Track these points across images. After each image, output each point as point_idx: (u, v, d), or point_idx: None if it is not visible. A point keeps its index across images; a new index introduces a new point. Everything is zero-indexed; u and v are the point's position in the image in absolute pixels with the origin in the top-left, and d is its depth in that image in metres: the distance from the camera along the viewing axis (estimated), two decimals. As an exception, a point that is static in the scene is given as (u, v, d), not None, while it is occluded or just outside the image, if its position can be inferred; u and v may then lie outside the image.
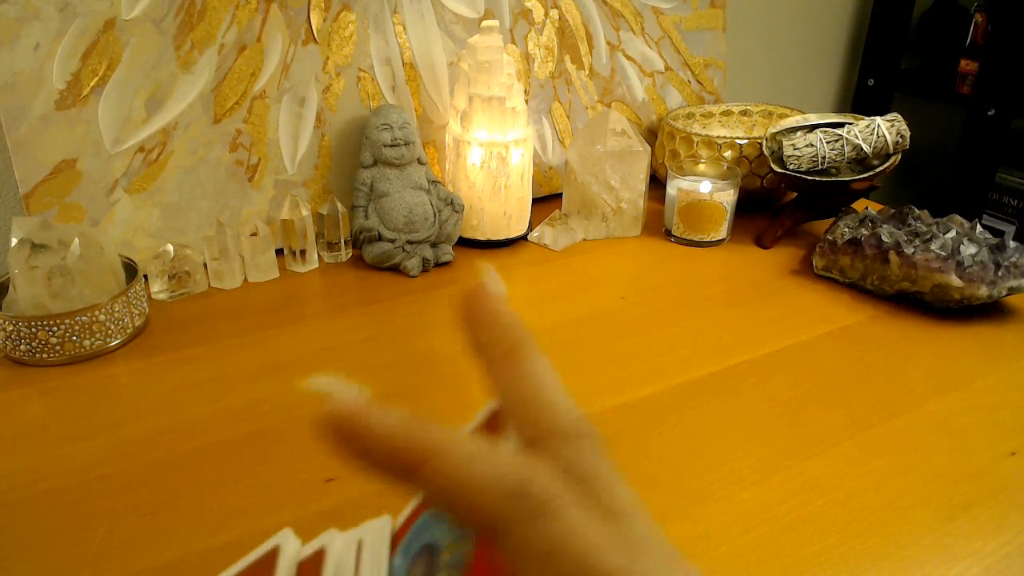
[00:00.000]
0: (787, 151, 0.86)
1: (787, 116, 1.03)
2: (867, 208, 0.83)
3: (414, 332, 0.71)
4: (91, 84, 0.72)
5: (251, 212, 0.82)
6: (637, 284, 0.81)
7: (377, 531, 0.25)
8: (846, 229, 0.80)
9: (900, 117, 0.86)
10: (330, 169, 0.86)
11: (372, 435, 0.21)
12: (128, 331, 0.68)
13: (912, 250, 0.73)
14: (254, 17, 0.78)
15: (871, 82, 1.44)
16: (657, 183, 1.00)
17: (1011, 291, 0.71)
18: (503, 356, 0.23)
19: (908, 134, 0.85)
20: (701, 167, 0.92)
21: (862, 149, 0.85)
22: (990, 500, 0.51)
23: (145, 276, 0.74)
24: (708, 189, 0.86)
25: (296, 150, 0.83)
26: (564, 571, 0.19)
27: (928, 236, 0.73)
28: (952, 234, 0.73)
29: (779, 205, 0.98)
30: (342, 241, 0.83)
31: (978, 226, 0.76)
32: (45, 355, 0.64)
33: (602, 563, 0.19)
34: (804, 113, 0.96)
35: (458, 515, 0.21)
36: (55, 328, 0.63)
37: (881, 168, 0.85)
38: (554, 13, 0.96)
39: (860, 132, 0.85)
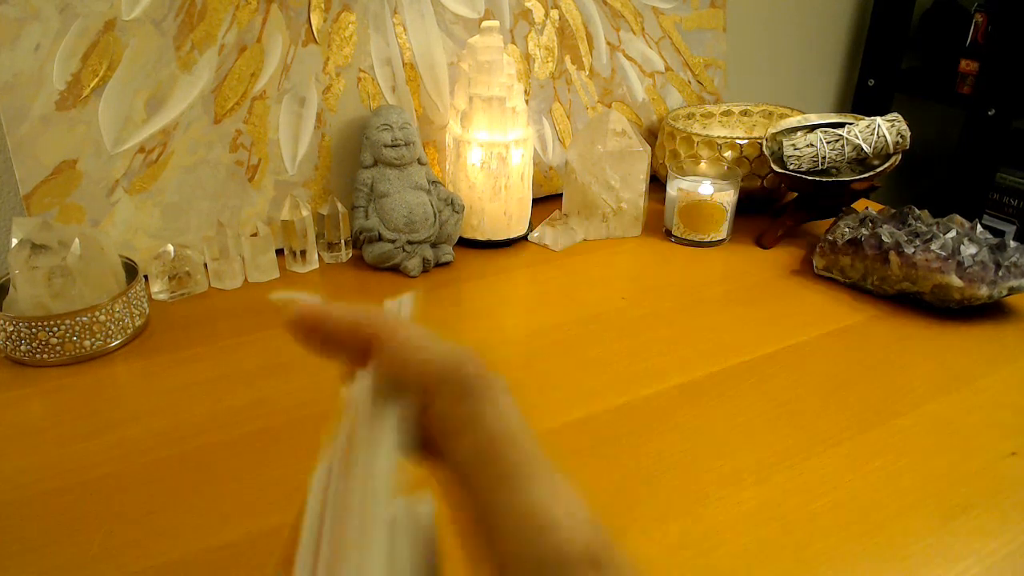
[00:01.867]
0: (787, 151, 0.86)
1: (787, 116, 1.03)
2: (867, 208, 0.83)
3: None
4: (91, 84, 0.72)
5: (251, 212, 0.82)
6: (637, 284, 0.81)
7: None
8: (846, 229, 0.79)
9: (900, 117, 0.86)
10: (330, 169, 0.86)
11: (332, 321, 0.25)
12: (128, 331, 0.68)
13: (912, 250, 0.73)
14: (254, 18, 0.78)
15: (871, 82, 1.44)
16: (657, 183, 1.00)
17: (1011, 291, 0.71)
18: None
19: (908, 134, 0.85)
20: (701, 167, 0.92)
21: (862, 149, 0.85)
22: (990, 500, 0.51)
23: (145, 276, 0.74)
24: (708, 189, 0.86)
25: (296, 150, 0.83)
26: (484, 444, 0.22)
27: (928, 236, 0.73)
28: (952, 234, 0.73)
29: (779, 205, 0.98)
30: (342, 241, 0.83)
31: (978, 226, 0.76)
32: (45, 355, 0.64)
33: (514, 447, 0.23)
34: (804, 113, 0.96)
35: (401, 385, 0.24)
36: (55, 328, 0.63)
37: (881, 168, 0.85)
38: (554, 13, 0.96)
39: (860, 132, 0.85)
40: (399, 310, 0.29)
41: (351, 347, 0.25)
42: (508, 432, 0.23)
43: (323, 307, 0.25)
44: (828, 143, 0.85)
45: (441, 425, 0.23)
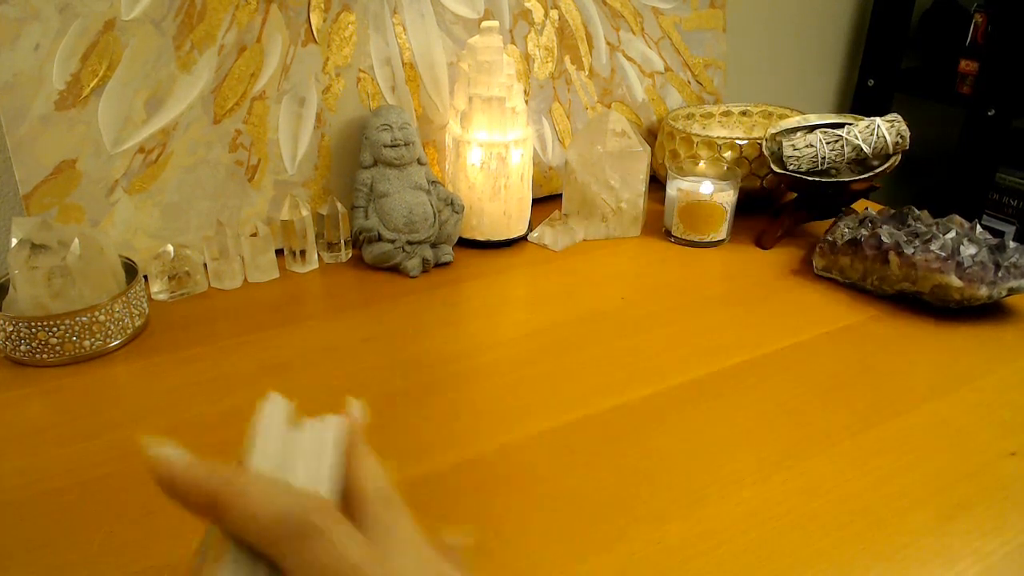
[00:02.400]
0: (787, 151, 0.86)
1: (787, 116, 1.03)
2: (867, 208, 0.83)
3: (414, 332, 0.71)
4: (91, 84, 0.72)
5: (251, 212, 0.82)
6: (637, 284, 0.81)
7: None
8: (846, 229, 0.80)
9: (900, 117, 0.86)
10: (330, 169, 0.86)
11: (183, 483, 0.26)
12: (128, 331, 0.68)
13: (912, 250, 0.73)
14: (254, 18, 0.78)
15: (871, 82, 1.44)
16: (657, 183, 1.00)
17: (1011, 291, 0.71)
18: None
19: (908, 134, 0.85)
20: (701, 167, 0.92)
21: (862, 149, 0.85)
22: (990, 500, 0.51)
23: (145, 276, 0.74)
24: (708, 190, 0.86)
25: (296, 150, 0.83)
26: None
27: (928, 236, 0.73)
28: (952, 234, 0.73)
29: (779, 205, 0.98)
30: (342, 241, 0.83)
31: (978, 226, 0.76)
32: (45, 355, 0.64)
33: (358, 572, 0.24)
34: (804, 113, 0.96)
35: (248, 542, 0.25)
36: (55, 328, 0.63)
37: (881, 168, 0.85)
38: (554, 13, 0.96)
39: (860, 132, 0.85)
40: (324, 433, 0.30)
41: (203, 509, 0.26)
42: (348, 571, 0.24)
43: (176, 466, 0.26)
44: (828, 143, 0.85)
45: (291, 572, 0.25)
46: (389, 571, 0.25)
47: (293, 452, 0.29)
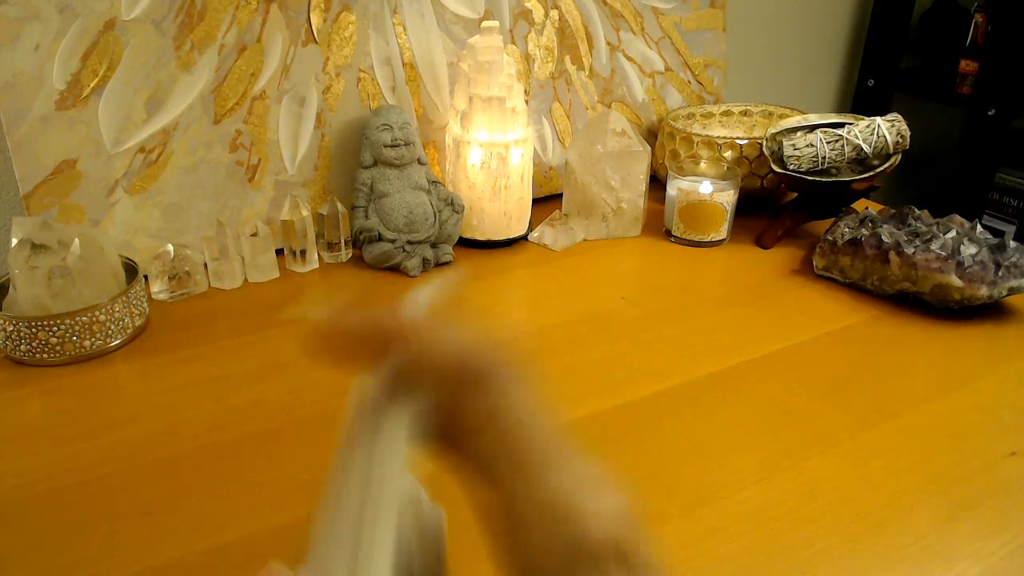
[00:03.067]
0: (787, 151, 0.86)
1: (787, 116, 1.03)
2: (867, 208, 0.83)
3: (414, 332, 0.71)
4: (91, 84, 0.72)
5: (251, 212, 0.82)
6: (637, 284, 0.81)
7: None
8: (846, 229, 0.79)
9: (900, 117, 0.86)
10: (330, 169, 0.86)
11: (354, 329, 0.26)
12: (128, 331, 0.68)
13: (912, 250, 0.73)
14: (254, 18, 0.78)
15: (871, 82, 1.44)
16: (657, 183, 1.00)
17: (1011, 291, 0.71)
18: None
19: (908, 134, 0.85)
20: (701, 167, 0.92)
21: (862, 149, 0.85)
22: (990, 500, 0.51)
23: (145, 276, 0.74)
24: (708, 189, 0.86)
25: (296, 150, 0.83)
26: (497, 435, 0.23)
27: (928, 236, 0.73)
28: (952, 234, 0.73)
29: (779, 205, 0.98)
30: (342, 241, 0.83)
31: (978, 226, 0.76)
32: (45, 355, 0.64)
33: (532, 431, 0.24)
34: (804, 113, 0.96)
35: (418, 380, 0.25)
36: (55, 328, 0.63)
37: (881, 168, 0.85)
38: (554, 14, 0.96)
39: (860, 132, 0.85)
40: (420, 302, 0.29)
41: (374, 351, 0.25)
42: (525, 423, 0.24)
43: (342, 316, 0.26)
44: (828, 143, 0.85)
45: (460, 419, 0.24)
46: (558, 441, 0.25)
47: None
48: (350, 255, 0.85)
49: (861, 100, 1.47)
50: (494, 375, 0.24)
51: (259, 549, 0.46)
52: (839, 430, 0.58)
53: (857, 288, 0.79)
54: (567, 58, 0.98)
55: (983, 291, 0.70)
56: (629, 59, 1.03)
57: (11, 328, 0.63)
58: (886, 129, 0.85)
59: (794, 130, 0.90)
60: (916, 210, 0.79)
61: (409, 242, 0.81)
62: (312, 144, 0.84)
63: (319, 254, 0.84)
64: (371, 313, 0.25)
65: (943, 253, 0.71)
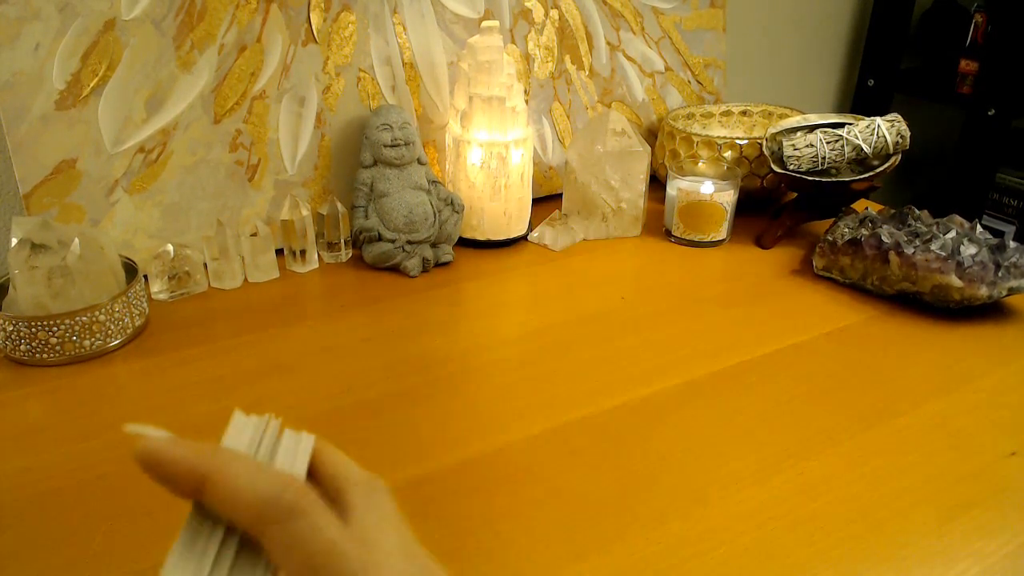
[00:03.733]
0: (787, 151, 0.86)
1: (787, 116, 1.03)
2: (867, 208, 0.83)
3: (414, 332, 0.71)
4: (91, 84, 0.72)
5: (251, 212, 0.82)
6: (637, 284, 0.81)
7: None
8: (846, 229, 0.80)
9: (900, 117, 0.86)
10: (330, 169, 0.86)
11: (168, 461, 0.27)
12: (128, 331, 0.68)
13: (912, 250, 0.73)
14: (254, 17, 0.78)
15: (871, 82, 1.44)
16: (657, 183, 1.00)
17: (1011, 291, 0.71)
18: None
19: (908, 134, 0.85)
20: (701, 167, 0.92)
21: (862, 149, 0.85)
22: (990, 500, 0.51)
23: (145, 276, 0.74)
24: (708, 189, 0.86)
25: (296, 150, 0.83)
26: (307, 560, 0.25)
27: (928, 236, 0.73)
28: (952, 234, 0.73)
29: (779, 205, 0.98)
30: (342, 241, 0.83)
31: (978, 226, 0.76)
32: (45, 355, 0.64)
33: (339, 552, 0.25)
34: (804, 113, 0.96)
35: (232, 521, 0.26)
36: (55, 328, 0.63)
37: (881, 168, 0.85)
38: (554, 13, 0.96)
39: (860, 132, 0.85)
40: (296, 451, 0.30)
41: (187, 486, 0.27)
42: (327, 548, 0.25)
43: (163, 446, 0.27)
44: (828, 143, 0.85)
45: (273, 550, 0.25)
46: (368, 549, 0.26)
47: (269, 449, 0.29)
48: (350, 255, 0.85)
49: (861, 100, 1.47)
50: (293, 506, 0.26)
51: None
52: (839, 430, 0.58)
53: (857, 288, 0.79)
54: (567, 58, 0.98)
55: (983, 291, 0.70)
56: (629, 59, 1.03)
57: (11, 328, 0.63)
58: (886, 129, 0.85)
59: (794, 130, 0.90)
60: (916, 210, 0.79)
61: (409, 242, 0.81)
62: (312, 144, 0.84)
63: (319, 254, 0.84)
64: (191, 447, 0.27)
65: (943, 253, 0.71)
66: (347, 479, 0.29)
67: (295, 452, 0.30)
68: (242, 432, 0.30)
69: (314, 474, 0.29)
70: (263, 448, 0.29)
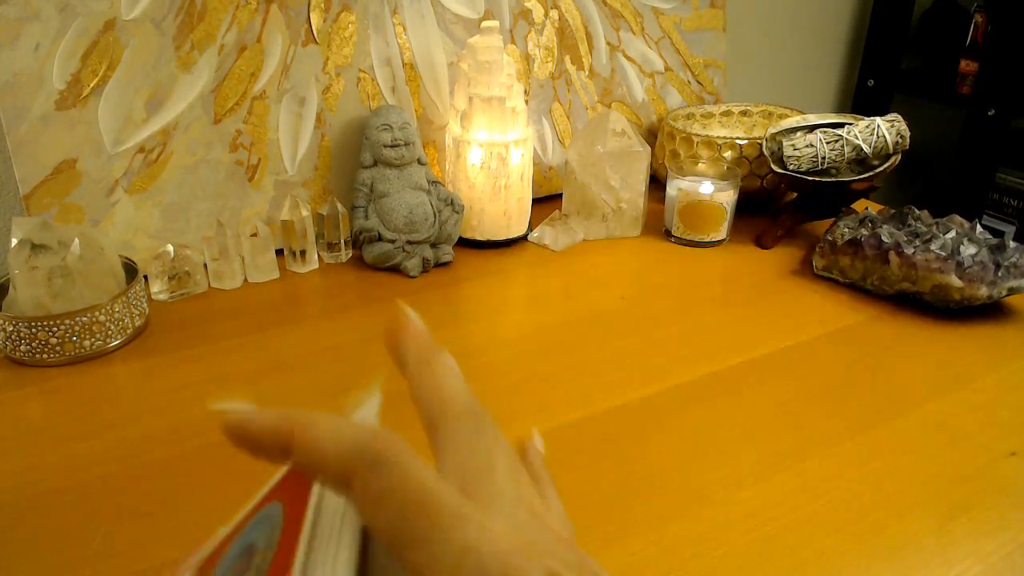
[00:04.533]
0: (787, 151, 0.86)
1: (787, 116, 1.03)
2: (867, 208, 0.83)
3: (414, 332, 0.71)
4: (91, 84, 0.72)
5: (251, 212, 0.82)
6: (637, 284, 0.81)
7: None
8: (846, 229, 0.80)
9: (900, 117, 0.86)
10: (330, 169, 0.86)
11: (256, 427, 0.26)
12: (128, 331, 0.68)
13: (912, 250, 0.73)
14: (254, 18, 0.78)
15: (871, 82, 1.44)
16: (657, 183, 1.00)
17: (1011, 291, 0.71)
18: (417, 363, 0.29)
19: (908, 134, 0.85)
20: (701, 167, 0.92)
21: (862, 149, 0.85)
22: (990, 500, 0.51)
23: (145, 276, 0.74)
24: (708, 189, 0.86)
25: (296, 150, 0.83)
26: (398, 511, 0.23)
27: (928, 236, 0.73)
28: (952, 234, 0.73)
29: (779, 205, 0.98)
30: (342, 241, 0.83)
31: (978, 226, 0.76)
32: (45, 355, 0.64)
33: (434, 500, 0.23)
34: (804, 113, 0.96)
35: (320, 474, 0.25)
36: (55, 328, 0.63)
37: (881, 168, 0.85)
38: (554, 14, 0.96)
39: (860, 132, 0.85)
40: (363, 414, 0.29)
41: (275, 449, 0.26)
42: (421, 493, 0.23)
43: (247, 414, 0.26)
44: (828, 143, 0.85)
45: (361, 503, 0.24)
46: (470, 496, 0.24)
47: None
48: (350, 255, 0.85)
49: (861, 100, 1.47)
50: (383, 455, 0.24)
51: (259, 549, 0.46)
52: (839, 430, 0.58)
53: (857, 288, 0.79)
54: (567, 58, 0.98)
55: (983, 291, 0.70)
56: (629, 59, 1.03)
57: (11, 328, 0.63)
58: (886, 129, 0.85)
59: (794, 130, 0.90)
60: (916, 210, 0.79)
61: (409, 242, 0.81)
62: (312, 144, 0.84)
63: (319, 254, 0.84)
64: (277, 412, 0.26)
65: (943, 253, 0.71)
66: (444, 413, 0.27)
67: (373, 408, 0.29)
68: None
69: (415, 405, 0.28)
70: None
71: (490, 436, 0.27)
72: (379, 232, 0.80)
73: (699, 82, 1.11)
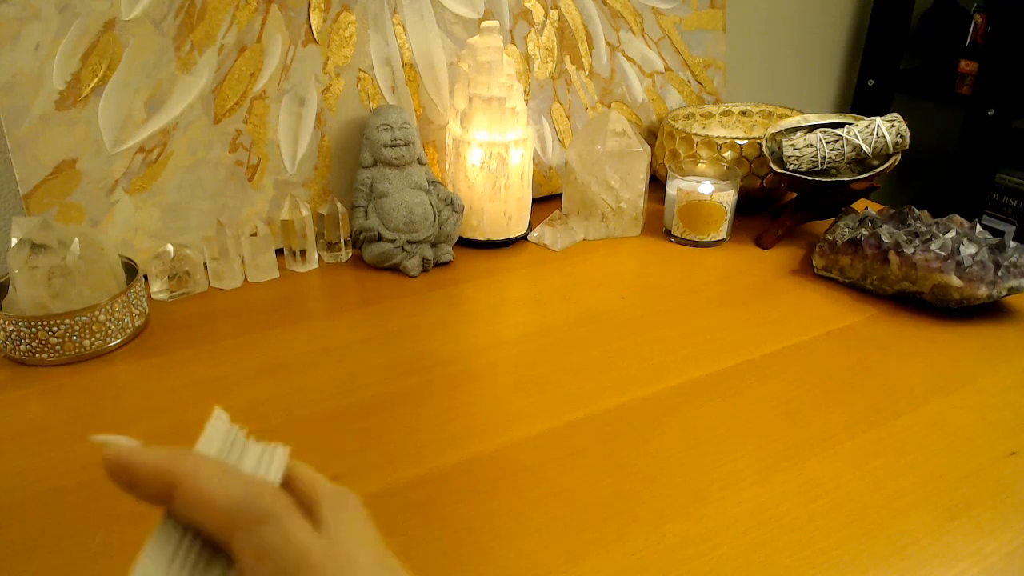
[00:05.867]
0: (787, 151, 0.86)
1: (787, 116, 1.03)
2: (867, 208, 0.83)
3: (414, 332, 0.71)
4: (91, 84, 0.72)
5: (251, 212, 0.82)
6: (637, 284, 0.81)
7: None
8: (846, 229, 0.80)
9: (900, 117, 0.86)
10: (330, 169, 0.86)
11: (138, 466, 0.26)
12: (128, 331, 0.68)
13: (912, 250, 0.73)
14: (254, 18, 0.78)
15: (871, 82, 1.44)
16: (657, 183, 1.00)
17: (1011, 291, 0.71)
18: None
19: (908, 134, 0.85)
20: (701, 167, 0.92)
21: (862, 149, 0.85)
22: (990, 500, 0.51)
23: (145, 276, 0.74)
24: (708, 189, 0.86)
25: (296, 150, 0.83)
26: (278, 568, 0.24)
27: (928, 236, 0.74)
28: (952, 234, 0.73)
29: (779, 205, 0.98)
30: (342, 241, 0.83)
31: (978, 226, 0.76)
32: (45, 355, 0.64)
33: (312, 561, 0.24)
34: (804, 113, 0.96)
35: (202, 526, 0.25)
36: (55, 328, 0.63)
37: (881, 168, 0.85)
38: (554, 14, 0.96)
39: (860, 132, 0.85)
40: (269, 462, 0.29)
41: (156, 491, 0.26)
42: (299, 555, 0.25)
43: (132, 451, 0.26)
44: (828, 143, 0.86)
45: (241, 556, 0.25)
46: (339, 557, 0.25)
47: (239, 459, 0.29)
48: (350, 255, 0.85)
49: (861, 100, 1.47)
50: (266, 513, 0.25)
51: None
52: (839, 430, 0.58)
53: (857, 288, 0.79)
54: (567, 58, 0.98)
55: (983, 291, 0.70)
56: (629, 59, 1.03)
57: (11, 328, 0.63)
58: (886, 129, 0.85)
59: (794, 130, 0.90)
60: (916, 210, 0.79)
61: (409, 242, 0.81)
62: (312, 144, 0.84)
63: (319, 254, 0.84)
64: (162, 452, 0.26)
65: (943, 253, 0.71)
66: (319, 491, 0.28)
67: (269, 461, 0.29)
68: (213, 438, 0.29)
69: (285, 486, 0.29)
70: (232, 454, 0.29)
71: (357, 511, 0.29)
72: (379, 232, 0.80)
73: (699, 82, 1.11)
